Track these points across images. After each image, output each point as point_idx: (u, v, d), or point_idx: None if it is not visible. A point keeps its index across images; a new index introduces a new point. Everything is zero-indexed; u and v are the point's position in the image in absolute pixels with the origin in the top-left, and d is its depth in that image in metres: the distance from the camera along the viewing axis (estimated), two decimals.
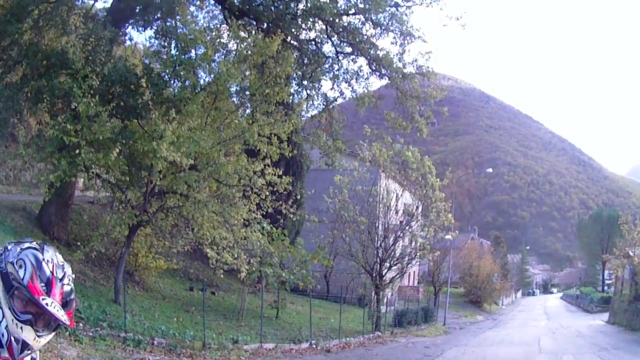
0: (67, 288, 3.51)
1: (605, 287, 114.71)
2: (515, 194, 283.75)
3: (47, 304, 3.32)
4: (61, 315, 3.39)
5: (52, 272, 3.44)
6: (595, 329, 45.31)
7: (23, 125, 25.44)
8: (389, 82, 30.06)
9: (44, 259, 3.44)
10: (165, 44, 24.09)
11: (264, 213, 25.52)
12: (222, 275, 25.59)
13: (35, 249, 3.49)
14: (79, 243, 24.15)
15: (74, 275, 3.65)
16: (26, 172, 36.88)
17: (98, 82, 21.06)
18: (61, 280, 3.49)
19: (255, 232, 24.86)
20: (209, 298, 29.99)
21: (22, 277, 3.35)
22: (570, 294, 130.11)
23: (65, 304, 3.47)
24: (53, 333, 3.62)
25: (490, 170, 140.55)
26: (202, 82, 23.55)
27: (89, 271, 25.93)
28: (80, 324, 18.36)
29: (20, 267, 3.38)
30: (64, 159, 20.20)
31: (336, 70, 29.92)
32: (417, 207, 40.48)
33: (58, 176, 20.09)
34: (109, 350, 17.29)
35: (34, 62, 21.88)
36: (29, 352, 3.51)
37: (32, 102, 22.25)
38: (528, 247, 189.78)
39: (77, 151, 19.98)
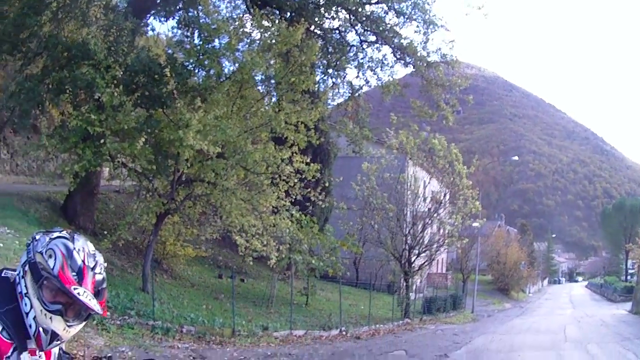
0: (99, 277, 3.47)
1: (629, 277, 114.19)
2: (540, 182, 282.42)
3: (78, 293, 3.27)
4: (94, 304, 3.33)
5: (83, 261, 3.39)
6: (618, 319, 44.95)
7: (45, 117, 25.61)
8: (414, 70, 30.18)
9: (74, 248, 3.39)
10: (188, 34, 24.15)
11: (293, 200, 25.47)
12: (251, 263, 25.59)
13: (65, 238, 3.44)
14: (105, 232, 24.30)
15: (105, 264, 3.64)
16: (49, 162, 37.14)
17: (121, 73, 21.17)
18: (93, 269, 3.44)
19: (284, 219, 24.86)
20: (238, 285, 30.03)
21: (52, 266, 3.30)
22: (595, 282, 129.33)
23: (97, 293, 3.43)
24: (83, 323, 3.59)
25: (516, 158, 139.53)
26: (226, 71, 23.58)
27: (116, 260, 26.02)
28: (108, 313, 18.30)
29: (50, 256, 3.32)
30: (89, 148, 20.36)
31: (361, 59, 29.99)
32: (445, 195, 40.48)
33: (83, 166, 20.22)
34: (136, 339, 17.30)
35: (54, 53, 21.91)
36: (58, 342, 3.49)
37: (54, 94, 22.24)
38: (554, 236, 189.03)
39: (102, 141, 20.19)
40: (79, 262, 3.36)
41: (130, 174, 23.31)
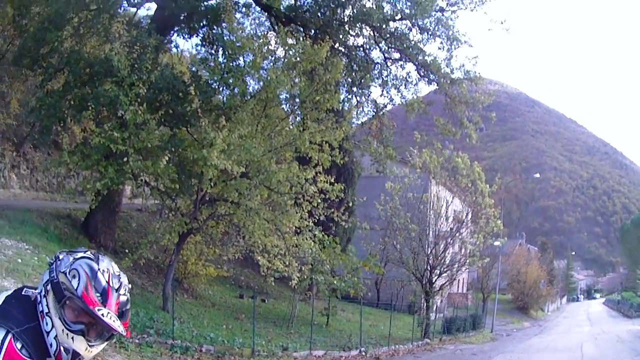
0: (123, 298, 3.46)
1: None
2: (561, 199, 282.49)
3: (102, 314, 3.26)
4: (117, 325, 3.32)
5: (108, 282, 3.37)
6: (634, 334, 45.04)
7: (67, 133, 25.64)
8: (438, 87, 30.10)
9: (99, 269, 3.37)
10: (212, 51, 24.21)
11: (316, 220, 25.42)
12: (272, 283, 25.61)
13: (90, 258, 3.42)
14: (126, 250, 24.33)
15: (130, 285, 3.59)
16: (70, 179, 37.26)
17: (145, 90, 21.18)
18: (117, 290, 3.42)
19: (307, 239, 24.86)
20: (259, 305, 29.92)
21: (75, 287, 3.28)
22: (612, 299, 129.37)
23: (121, 314, 3.41)
24: (105, 343, 3.57)
25: (538, 175, 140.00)
26: (251, 89, 23.63)
27: (137, 278, 26.05)
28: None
29: (74, 277, 3.31)
30: (111, 166, 20.42)
31: (385, 76, 29.98)
32: (467, 214, 40.32)
33: (105, 184, 20.28)
34: (155, 357, 17.29)
35: (76, 69, 21.92)
36: None
37: (76, 110, 22.23)
38: (573, 253, 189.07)
39: (125, 159, 20.19)
40: (104, 283, 3.35)
41: (153, 192, 23.33)
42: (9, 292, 3.49)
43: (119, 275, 3.49)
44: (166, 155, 21.25)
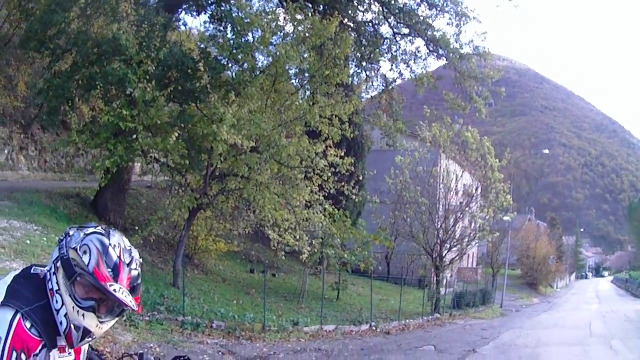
0: (134, 273, 3.45)
1: None
2: (569, 175, 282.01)
3: (114, 290, 3.25)
4: (129, 300, 3.32)
5: (119, 257, 3.36)
6: None
7: (75, 113, 25.58)
8: (447, 62, 30.05)
9: (110, 244, 3.36)
10: (221, 28, 24.06)
11: (326, 194, 25.42)
12: (283, 257, 25.60)
13: (100, 233, 3.40)
14: (136, 227, 24.37)
15: (141, 260, 3.61)
16: (79, 158, 37.29)
17: (154, 68, 21.16)
18: (129, 264, 3.41)
19: (317, 213, 24.86)
20: (269, 280, 30.05)
21: (87, 263, 3.26)
22: (620, 277, 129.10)
23: (132, 289, 3.41)
24: (116, 319, 3.56)
25: (547, 151, 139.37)
26: (260, 64, 23.58)
27: (147, 255, 26.08)
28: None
29: (85, 252, 3.29)
30: (121, 144, 20.43)
31: (394, 51, 29.96)
32: (477, 188, 40.33)
33: (114, 161, 20.29)
34: (165, 334, 17.29)
35: (83, 50, 21.88)
36: (90, 339, 3.46)
37: (84, 89, 22.19)
38: (582, 229, 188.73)
39: (134, 136, 20.23)
40: (115, 258, 3.34)
41: (163, 168, 23.44)
42: (18, 272, 3.51)
43: (130, 249, 3.49)
44: (175, 132, 21.20)
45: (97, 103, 25.75)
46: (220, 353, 16.97)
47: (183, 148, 21.35)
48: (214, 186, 23.77)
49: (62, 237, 3.44)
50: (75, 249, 3.31)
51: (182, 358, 4.08)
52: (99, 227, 3.47)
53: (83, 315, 3.31)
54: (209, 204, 23.62)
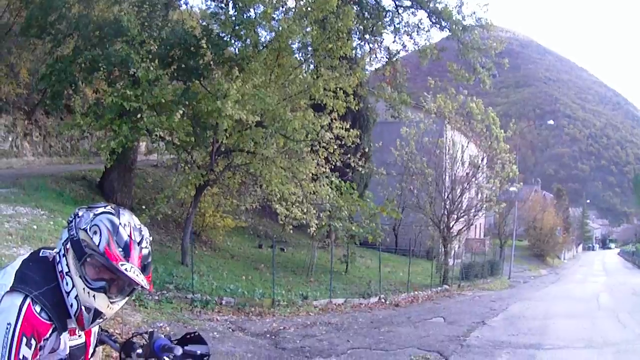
0: (145, 251, 3.45)
1: None
2: (575, 146, 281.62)
3: (126, 269, 3.26)
4: (141, 279, 3.33)
5: (129, 236, 3.36)
6: None
7: (78, 96, 25.62)
8: (450, 34, 29.97)
9: (120, 223, 3.36)
10: (223, 5, 24.05)
11: (333, 167, 25.60)
12: (291, 231, 25.62)
13: (110, 213, 3.40)
14: (143, 207, 24.35)
15: (151, 238, 3.61)
16: (84, 141, 37.33)
17: (156, 47, 21.18)
18: (139, 243, 3.41)
19: (324, 186, 24.96)
20: (278, 255, 29.92)
21: (97, 243, 3.26)
22: (627, 250, 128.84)
23: (144, 268, 3.41)
24: (127, 298, 3.58)
25: (552, 122, 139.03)
26: (263, 39, 23.54)
27: (155, 234, 26.04)
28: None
29: (95, 233, 3.29)
30: (125, 124, 20.41)
31: (397, 24, 29.95)
32: (483, 159, 40.22)
33: (120, 142, 20.25)
34: (175, 313, 17.31)
35: (85, 33, 22.12)
36: (101, 320, 3.49)
37: (87, 72, 22.33)
38: (588, 201, 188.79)
39: (139, 116, 20.28)
40: (125, 237, 3.34)
41: (168, 147, 23.36)
42: (26, 256, 3.52)
43: (140, 228, 3.49)
44: (180, 109, 21.18)
45: (101, 85, 25.75)
46: (230, 329, 17.01)
47: (188, 125, 21.47)
48: (220, 162, 23.81)
49: (71, 219, 3.45)
50: (85, 229, 3.33)
51: (193, 335, 4.10)
52: (109, 207, 3.48)
53: (94, 296, 3.34)
54: (216, 181, 23.68)
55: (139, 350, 3.96)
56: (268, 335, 16.93)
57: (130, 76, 20.86)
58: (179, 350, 3.74)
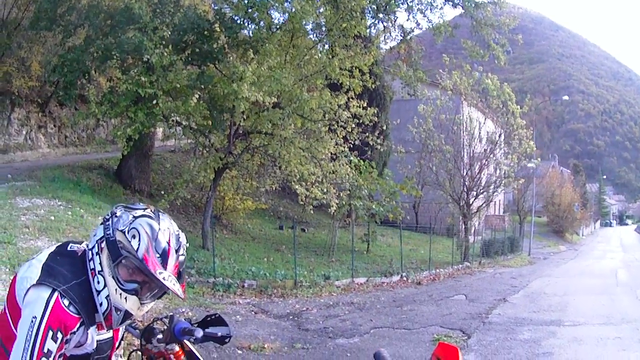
0: (182, 258, 3.45)
1: None
2: (590, 122, 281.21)
3: (164, 278, 3.25)
4: (177, 288, 3.32)
5: (168, 243, 3.35)
6: None
7: (92, 85, 25.67)
8: (463, 11, 29.83)
9: (160, 229, 3.34)
10: None
11: (351, 146, 25.48)
12: (311, 211, 25.84)
13: (150, 217, 3.38)
14: (162, 192, 24.47)
15: (188, 244, 3.60)
16: (100, 129, 37.50)
17: (169, 33, 21.12)
18: (177, 251, 3.40)
19: (343, 165, 24.97)
20: (299, 235, 30.20)
21: (136, 248, 3.24)
22: None
23: (179, 275, 3.41)
24: (155, 300, 3.59)
25: (567, 97, 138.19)
26: (276, 21, 23.60)
27: (175, 219, 25.45)
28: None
29: (134, 237, 3.26)
30: (141, 111, 20.59)
31: (410, 1, 29.69)
32: (500, 135, 40.09)
33: (136, 128, 20.44)
34: (197, 298, 17.34)
35: (96, 23, 22.22)
36: (129, 321, 3.51)
37: (100, 61, 22.51)
38: (604, 177, 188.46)
39: (155, 102, 20.30)
40: (164, 244, 3.32)
41: (185, 131, 23.46)
42: (52, 249, 3.51)
43: (178, 234, 3.47)
44: (196, 94, 21.20)
45: (114, 73, 25.89)
46: (252, 312, 17.00)
47: (205, 109, 21.49)
48: (238, 145, 23.85)
49: (107, 217, 3.42)
50: (123, 231, 3.29)
51: (213, 317, 4.09)
52: (148, 210, 3.46)
53: (126, 298, 3.34)
54: (234, 163, 23.70)
55: (160, 336, 3.95)
56: (291, 317, 16.91)
57: (144, 63, 20.85)
58: (199, 333, 3.74)
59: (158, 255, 3.27)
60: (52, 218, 17.15)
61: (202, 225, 24.03)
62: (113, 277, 3.28)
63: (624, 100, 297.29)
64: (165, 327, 3.91)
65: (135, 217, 3.34)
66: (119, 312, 3.34)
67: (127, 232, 3.27)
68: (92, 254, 3.35)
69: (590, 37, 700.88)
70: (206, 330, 3.90)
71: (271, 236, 31.16)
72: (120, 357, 8.37)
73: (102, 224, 3.42)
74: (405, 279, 27.27)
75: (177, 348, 3.89)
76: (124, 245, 3.26)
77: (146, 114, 20.61)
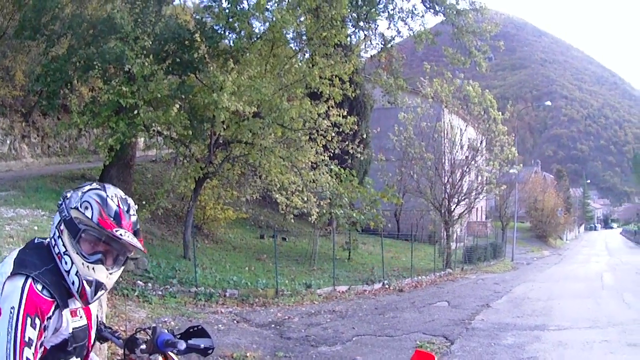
0: (133, 218, 3.67)
1: None
2: (573, 127, 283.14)
3: (121, 234, 3.47)
4: (135, 242, 3.56)
5: (118, 206, 3.58)
6: None
7: (74, 95, 25.63)
8: (444, 18, 30.00)
9: (108, 196, 3.57)
10: None
11: (331, 154, 25.56)
12: (292, 220, 25.83)
13: (97, 188, 3.62)
14: (144, 202, 24.39)
15: (136, 206, 3.80)
16: (82, 139, 37.42)
17: (150, 42, 21.12)
18: (128, 211, 3.62)
19: (323, 174, 25.00)
20: (280, 244, 30.23)
21: (90, 217, 3.46)
22: (629, 229, 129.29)
23: (135, 233, 3.62)
24: (122, 268, 3.76)
25: (549, 103, 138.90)
26: (257, 31, 23.65)
27: (156, 229, 26.30)
28: (149, 284, 18.76)
29: (87, 208, 3.49)
30: (122, 121, 20.61)
31: (391, 10, 29.88)
32: (481, 142, 40.21)
33: (117, 138, 20.41)
34: (179, 307, 17.40)
35: (79, 32, 22.21)
36: (102, 292, 3.62)
37: (82, 71, 22.42)
38: (588, 181, 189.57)
39: (136, 112, 20.30)
40: (114, 207, 3.56)
41: (166, 141, 23.43)
42: (22, 247, 3.68)
43: (126, 198, 3.70)
44: (177, 103, 21.20)
45: (96, 83, 25.96)
46: (234, 321, 17.04)
47: (185, 119, 21.44)
48: (219, 154, 23.89)
49: (60, 202, 3.63)
50: (76, 208, 3.52)
51: (196, 328, 4.15)
52: (94, 184, 3.70)
53: (93, 269, 3.51)
54: (215, 173, 23.74)
55: (143, 346, 4.05)
56: (273, 326, 16.97)
57: (126, 73, 20.87)
58: (182, 345, 3.83)
59: (112, 217, 3.50)
60: (36, 228, 17.14)
61: (183, 235, 24.02)
62: (77, 254, 3.47)
63: (608, 104, 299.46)
64: (148, 338, 3.97)
65: (84, 192, 3.58)
66: (90, 285, 3.50)
67: (80, 206, 3.51)
68: (55, 240, 3.54)
69: (574, 42, 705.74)
70: (189, 342, 3.97)
71: (252, 245, 31.14)
72: None
73: (57, 211, 3.62)
74: (387, 286, 27.33)
75: (160, 359, 3.95)
76: (81, 219, 3.48)
77: (127, 124, 20.60)
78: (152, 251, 22.58)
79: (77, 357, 3.66)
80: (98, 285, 3.53)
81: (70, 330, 3.54)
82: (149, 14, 22.05)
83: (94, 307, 3.87)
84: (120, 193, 3.69)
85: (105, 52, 20.64)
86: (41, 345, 3.30)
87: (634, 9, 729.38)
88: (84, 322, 3.70)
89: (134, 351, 4.05)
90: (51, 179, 26.86)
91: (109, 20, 21.33)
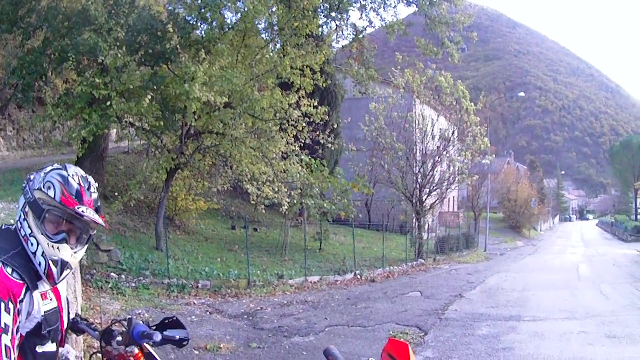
0: (94, 195, 3.75)
1: (638, 216, 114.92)
2: (547, 118, 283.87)
3: (82, 211, 3.56)
4: (97, 218, 3.64)
5: (79, 184, 3.66)
6: (630, 259, 44.47)
7: (49, 87, 25.54)
8: (417, 9, 29.90)
9: (69, 174, 3.65)
10: None
11: (302, 145, 25.71)
12: (263, 211, 26.05)
13: (58, 168, 3.70)
14: (116, 194, 24.36)
15: (97, 184, 3.89)
16: (56, 132, 37.19)
17: (123, 34, 21.12)
18: (88, 189, 3.71)
19: (294, 164, 25.06)
20: (251, 235, 30.30)
21: (53, 196, 3.56)
22: (606, 221, 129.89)
23: (96, 210, 3.70)
24: (85, 247, 3.85)
25: (523, 94, 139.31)
26: (229, 21, 23.54)
27: (129, 221, 26.19)
28: (123, 276, 18.78)
29: (49, 188, 3.58)
30: (95, 112, 20.43)
31: (363, 0, 29.74)
32: (453, 132, 40.28)
33: (90, 130, 20.23)
34: (152, 299, 17.47)
35: (54, 24, 21.95)
36: (68, 271, 3.71)
37: (57, 63, 22.31)
38: (563, 172, 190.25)
39: (108, 103, 20.17)
40: (75, 185, 3.64)
41: (138, 132, 23.35)
42: None
43: (87, 177, 3.79)
44: (148, 94, 21.12)
45: (70, 75, 25.78)
46: (207, 312, 17.05)
47: (157, 110, 21.35)
48: (190, 145, 23.86)
49: (24, 184, 3.74)
50: (39, 188, 3.62)
51: (171, 319, 4.19)
52: (56, 164, 3.78)
53: (58, 248, 3.59)
54: (186, 164, 23.62)
55: (119, 338, 4.09)
56: (245, 316, 16.99)
57: (99, 64, 20.78)
58: (157, 336, 3.86)
59: (73, 195, 3.59)
60: (12, 221, 17.08)
61: (155, 227, 23.93)
62: (42, 234, 3.57)
63: (584, 96, 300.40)
64: (124, 330, 4.01)
65: (47, 173, 3.68)
66: (56, 265, 3.59)
67: (43, 187, 3.62)
68: (21, 222, 3.66)
69: (550, 33, 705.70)
70: (164, 333, 4.00)
71: (224, 236, 31.06)
72: (81, 358, 8.43)
73: (22, 193, 3.75)
74: (358, 276, 27.39)
75: (136, 350, 4.00)
76: (44, 199, 3.59)
77: (100, 116, 20.49)
78: (125, 243, 22.59)
79: (52, 342, 3.73)
80: (63, 265, 3.61)
81: (42, 313, 3.58)
82: (122, 5, 22.01)
83: (62, 289, 3.92)
84: (81, 172, 3.77)
85: (79, 44, 20.47)
86: (17, 331, 3.34)
87: (611, 1, 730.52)
88: (54, 304, 3.73)
89: (110, 343, 4.08)
90: (26, 171, 26.58)
91: (83, 12, 21.18)
